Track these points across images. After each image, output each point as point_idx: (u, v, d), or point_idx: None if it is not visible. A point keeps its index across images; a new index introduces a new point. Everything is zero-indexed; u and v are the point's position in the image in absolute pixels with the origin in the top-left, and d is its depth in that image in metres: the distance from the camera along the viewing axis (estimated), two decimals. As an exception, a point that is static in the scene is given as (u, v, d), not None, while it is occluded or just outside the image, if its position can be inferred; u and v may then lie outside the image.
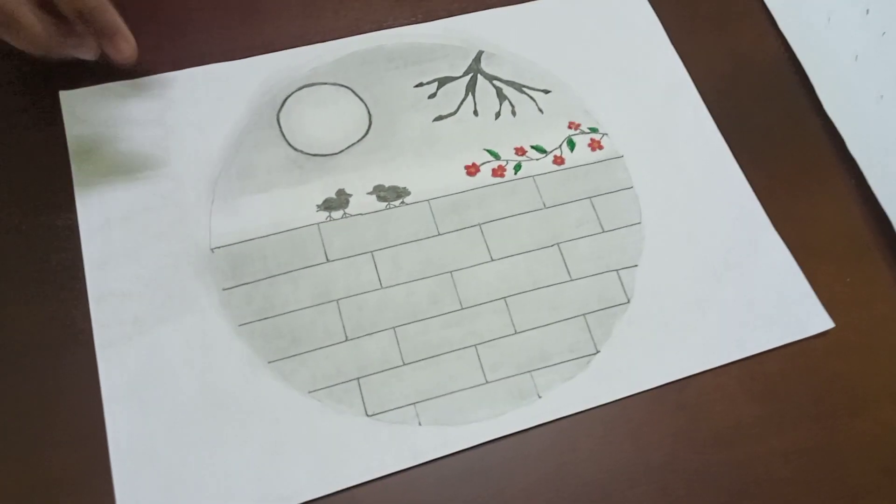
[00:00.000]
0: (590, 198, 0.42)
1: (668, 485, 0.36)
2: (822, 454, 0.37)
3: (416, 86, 0.45)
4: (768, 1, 0.49)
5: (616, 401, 0.37)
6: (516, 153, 0.43)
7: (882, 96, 0.46)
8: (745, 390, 0.38)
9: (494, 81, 0.46)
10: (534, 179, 0.43)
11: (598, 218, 0.42)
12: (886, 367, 0.39)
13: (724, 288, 0.40)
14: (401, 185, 0.42)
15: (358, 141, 0.43)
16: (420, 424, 0.36)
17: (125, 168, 0.40)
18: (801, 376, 0.39)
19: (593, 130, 0.44)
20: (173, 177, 0.41)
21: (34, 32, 0.36)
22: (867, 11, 0.49)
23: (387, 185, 0.42)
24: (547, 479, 0.36)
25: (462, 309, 0.39)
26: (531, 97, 0.45)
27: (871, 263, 0.42)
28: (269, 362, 0.36)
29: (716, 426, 0.37)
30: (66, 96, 0.42)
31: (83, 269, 0.38)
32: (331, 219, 0.40)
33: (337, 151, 0.42)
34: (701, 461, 0.36)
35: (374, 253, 0.40)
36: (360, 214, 0.41)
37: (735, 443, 0.37)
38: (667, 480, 0.36)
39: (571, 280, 0.40)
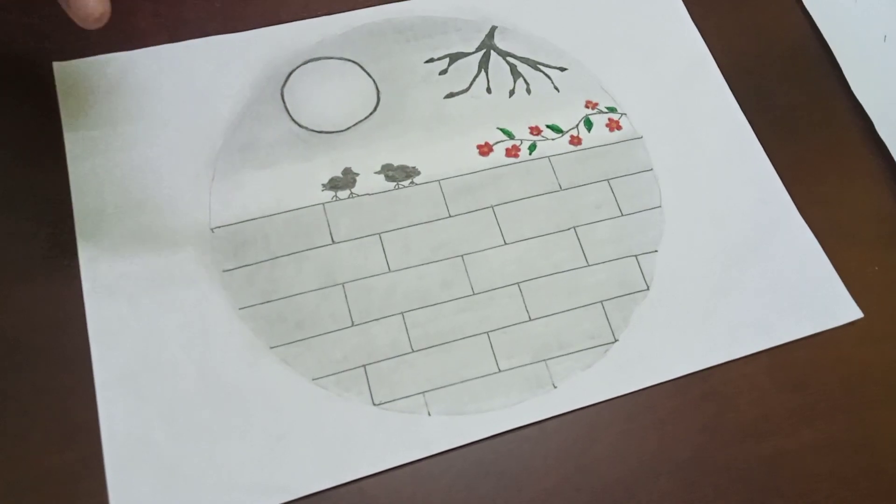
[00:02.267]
0: (608, 180, 0.40)
1: (694, 480, 0.34)
2: (855, 448, 0.35)
3: (427, 61, 0.43)
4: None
5: (636, 391, 0.36)
6: (531, 133, 0.42)
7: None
8: (773, 381, 0.36)
9: (508, 58, 0.44)
10: (549, 160, 0.41)
11: (617, 201, 0.40)
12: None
13: (747, 275, 0.38)
14: (410, 164, 0.40)
15: (365, 118, 0.41)
16: (430, 414, 0.34)
17: (121, 144, 0.38)
18: (830, 366, 0.37)
19: (611, 110, 0.43)
20: (171, 153, 0.39)
21: None
22: (896, -11, 0.47)
23: (395, 164, 0.40)
24: (565, 473, 0.34)
25: (474, 294, 0.37)
26: (547, 75, 0.43)
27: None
28: (272, 347, 0.35)
29: (743, 419, 0.35)
30: (60, 68, 0.40)
31: (77, 249, 0.36)
32: (337, 198, 0.38)
33: (343, 128, 0.40)
34: (728, 455, 0.35)
35: (381, 235, 0.38)
36: (368, 194, 0.39)
37: (764, 436, 0.35)
38: (693, 475, 0.34)
39: (588, 265, 0.38)
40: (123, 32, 0.42)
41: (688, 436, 0.35)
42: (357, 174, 0.39)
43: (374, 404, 0.34)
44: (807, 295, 0.38)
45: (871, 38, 0.45)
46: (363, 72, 0.42)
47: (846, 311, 0.38)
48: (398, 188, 0.39)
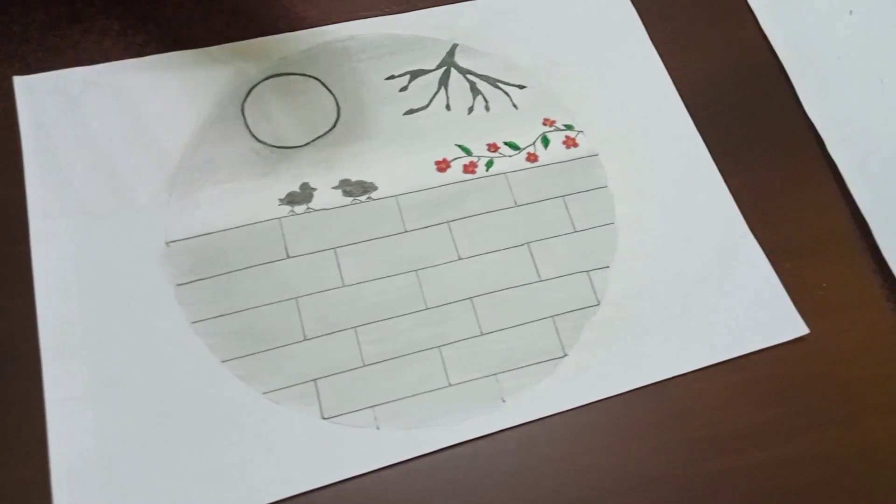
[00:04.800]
0: (563, 196, 0.41)
1: (643, 495, 0.34)
2: (803, 463, 0.36)
3: (388, 78, 0.44)
4: (753, 0, 0.48)
5: (586, 406, 0.36)
6: (489, 149, 0.42)
7: (863, 100, 0.45)
8: (720, 396, 0.37)
9: (468, 75, 0.44)
10: (506, 176, 0.41)
11: (571, 217, 0.41)
12: (865, 373, 0.38)
13: (697, 291, 0.39)
14: (368, 179, 0.40)
15: (325, 133, 0.41)
16: (378, 428, 0.34)
17: (80, 158, 0.39)
18: (777, 382, 0.37)
19: (568, 128, 0.43)
20: (130, 168, 0.39)
21: None
22: (850, 12, 0.48)
23: (353, 179, 0.40)
24: (515, 487, 0.34)
25: (427, 309, 0.38)
26: (506, 92, 0.44)
27: (850, 268, 0.41)
28: (224, 361, 0.35)
29: (691, 434, 0.36)
30: (20, 82, 0.40)
31: (31, 263, 0.36)
32: (293, 213, 0.39)
33: (302, 144, 0.41)
34: (677, 470, 0.35)
35: (337, 250, 0.38)
36: (325, 209, 0.39)
37: (712, 453, 0.36)
38: (642, 490, 0.35)
39: (541, 281, 0.39)
40: (87, 47, 0.42)
41: (637, 450, 0.35)
42: (314, 189, 0.40)
43: (324, 418, 0.35)
44: (755, 311, 0.39)
45: (824, 59, 0.46)
46: (324, 88, 0.43)
47: (793, 327, 0.39)
48: (355, 203, 0.40)
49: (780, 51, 0.46)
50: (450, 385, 0.36)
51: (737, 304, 0.39)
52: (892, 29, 0.47)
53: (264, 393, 0.35)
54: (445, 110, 0.43)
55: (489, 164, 0.42)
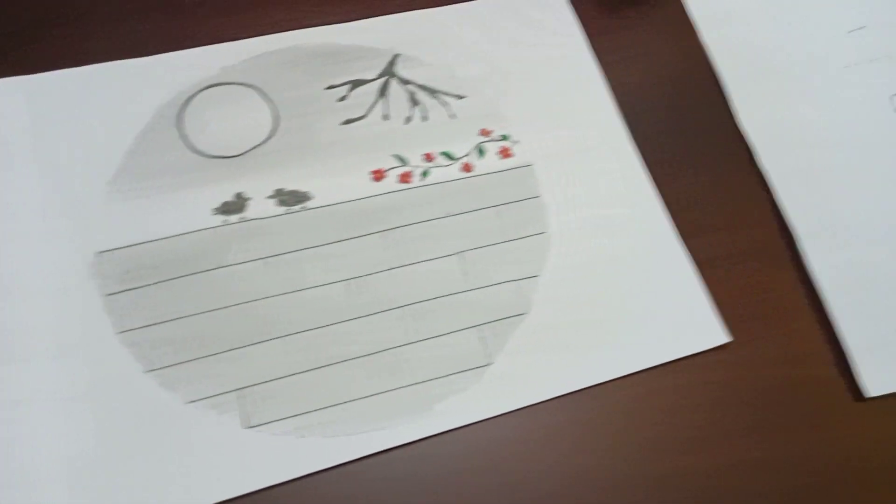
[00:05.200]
0: (496, 206, 0.42)
1: (567, 498, 0.35)
2: (721, 470, 0.36)
3: (328, 88, 0.44)
4: (692, 11, 0.49)
5: (511, 413, 0.37)
6: (425, 159, 0.43)
7: (793, 112, 0.46)
8: (645, 403, 0.38)
9: (408, 85, 0.45)
10: (441, 186, 0.42)
11: (503, 227, 0.41)
12: (789, 379, 0.39)
13: (624, 300, 0.40)
14: (303, 189, 0.41)
15: (262, 143, 0.42)
16: (302, 437, 0.35)
17: (13, 167, 0.39)
18: (700, 389, 0.38)
19: (504, 138, 0.44)
20: (65, 177, 0.39)
21: None
22: (789, 24, 0.49)
23: (288, 189, 0.41)
24: (441, 494, 0.35)
25: (356, 318, 0.38)
26: (444, 102, 0.44)
27: (777, 276, 0.41)
28: (148, 371, 0.36)
29: (614, 440, 0.37)
30: (-42, 91, 0.41)
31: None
32: (227, 223, 0.39)
33: (239, 154, 0.41)
34: (599, 477, 0.36)
35: (269, 259, 0.39)
36: (258, 219, 0.40)
37: (638, 458, 0.36)
38: (566, 496, 0.35)
39: (470, 290, 0.39)
40: (28, 56, 0.43)
41: (560, 457, 0.36)
42: (249, 199, 0.40)
43: (248, 427, 0.35)
44: (679, 319, 0.40)
45: (759, 70, 0.47)
46: (264, 98, 0.43)
47: (715, 335, 0.39)
48: (289, 213, 0.40)
49: (718, 62, 0.47)
50: (376, 393, 0.36)
51: (662, 313, 0.40)
52: (825, 41, 0.48)
53: (188, 402, 0.35)
54: (383, 120, 0.44)
55: (425, 174, 0.42)
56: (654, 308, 0.40)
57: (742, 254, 0.42)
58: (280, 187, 0.41)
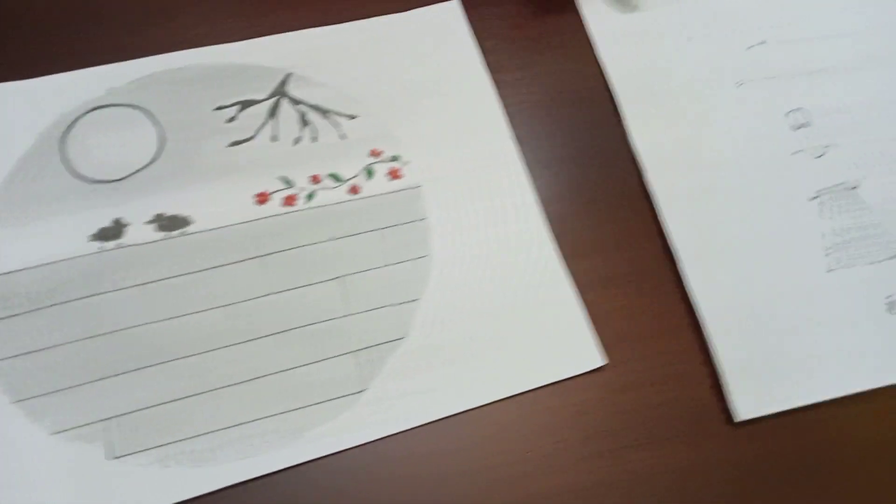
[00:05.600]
0: (381, 229, 0.42)
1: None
2: (605, 490, 0.37)
3: (217, 109, 0.44)
4: (591, 29, 0.49)
5: (384, 438, 0.37)
6: (312, 181, 0.43)
7: (685, 128, 0.46)
8: (520, 427, 0.38)
9: (299, 105, 0.45)
10: (326, 209, 0.42)
11: (386, 250, 0.41)
12: (666, 399, 0.39)
13: (504, 323, 0.40)
14: (184, 214, 0.41)
15: (145, 167, 0.42)
16: (167, 467, 0.35)
17: None
18: (576, 411, 0.39)
19: (395, 159, 0.44)
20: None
21: None
22: (688, 40, 0.49)
23: (168, 214, 0.41)
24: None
25: (232, 345, 0.38)
26: (336, 123, 0.44)
27: (658, 298, 0.42)
28: (15, 402, 0.36)
29: (492, 464, 0.37)
30: None
31: None
32: (103, 249, 0.39)
33: (120, 178, 0.41)
34: (478, 500, 0.36)
35: (146, 286, 0.39)
36: (136, 245, 0.40)
37: (516, 481, 0.37)
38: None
39: (348, 315, 0.39)
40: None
41: (433, 483, 0.36)
42: (127, 225, 0.40)
43: (113, 458, 0.35)
44: (559, 342, 0.40)
45: (653, 89, 0.47)
46: (151, 119, 0.43)
47: (592, 358, 0.40)
48: (168, 238, 0.40)
49: (614, 81, 0.47)
50: (246, 422, 0.37)
51: (541, 336, 0.40)
52: (723, 57, 0.48)
53: (53, 433, 0.35)
54: (272, 142, 0.43)
55: (310, 197, 0.42)
56: (533, 331, 0.40)
57: (625, 275, 0.42)
58: (160, 212, 0.41)
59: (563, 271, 0.41)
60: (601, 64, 0.48)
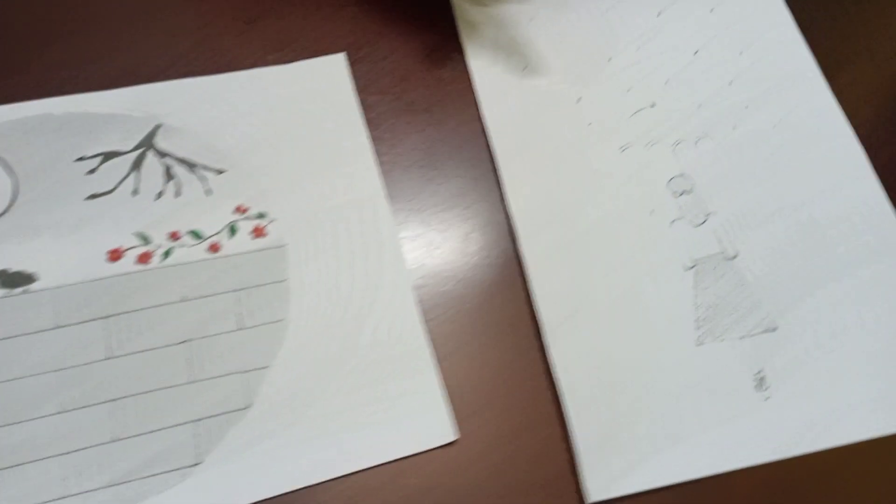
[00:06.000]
0: (237, 290, 0.40)
1: None
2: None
3: (78, 160, 0.42)
4: (476, 85, 0.48)
5: (219, 515, 0.35)
6: (171, 238, 0.41)
7: (559, 191, 0.45)
8: (371, 500, 0.37)
9: (165, 158, 0.43)
10: (181, 268, 0.41)
11: (241, 313, 0.40)
12: (514, 479, 0.38)
13: (357, 394, 0.39)
14: (30, 270, 0.39)
15: (-8, 220, 0.40)
16: (-28, 546, 0.33)
17: None
18: (424, 486, 0.37)
19: (261, 216, 0.43)
20: None
21: None
22: (578, 100, 0.48)
23: (13, 269, 0.39)
24: None
25: (61, 413, 0.36)
26: (202, 177, 0.43)
27: (520, 371, 0.40)
28: None
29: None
30: None
31: None
32: (-66, 308, 0.38)
33: (-37, 231, 0.40)
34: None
35: (-23, 347, 0.37)
36: (-29, 303, 0.38)
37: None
38: None
39: (192, 382, 0.38)
40: None
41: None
42: (-36, 281, 0.38)
43: (-86, 534, 0.33)
44: (412, 415, 0.38)
45: (531, 149, 0.46)
46: (5, 169, 0.42)
47: (444, 433, 0.38)
48: (9, 296, 0.39)
49: (493, 140, 0.46)
50: (66, 496, 0.35)
51: (397, 408, 0.38)
52: (608, 121, 0.48)
53: None
54: (132, 196, 0.42)
55: (167, 254, 0.41)
56: (385, 402, 0.38)
57: (488, 344, 0.41)
58: (5, 268, 0.39)
59: (424, 337, 0.40)
60: (484, 123, 0.47)
